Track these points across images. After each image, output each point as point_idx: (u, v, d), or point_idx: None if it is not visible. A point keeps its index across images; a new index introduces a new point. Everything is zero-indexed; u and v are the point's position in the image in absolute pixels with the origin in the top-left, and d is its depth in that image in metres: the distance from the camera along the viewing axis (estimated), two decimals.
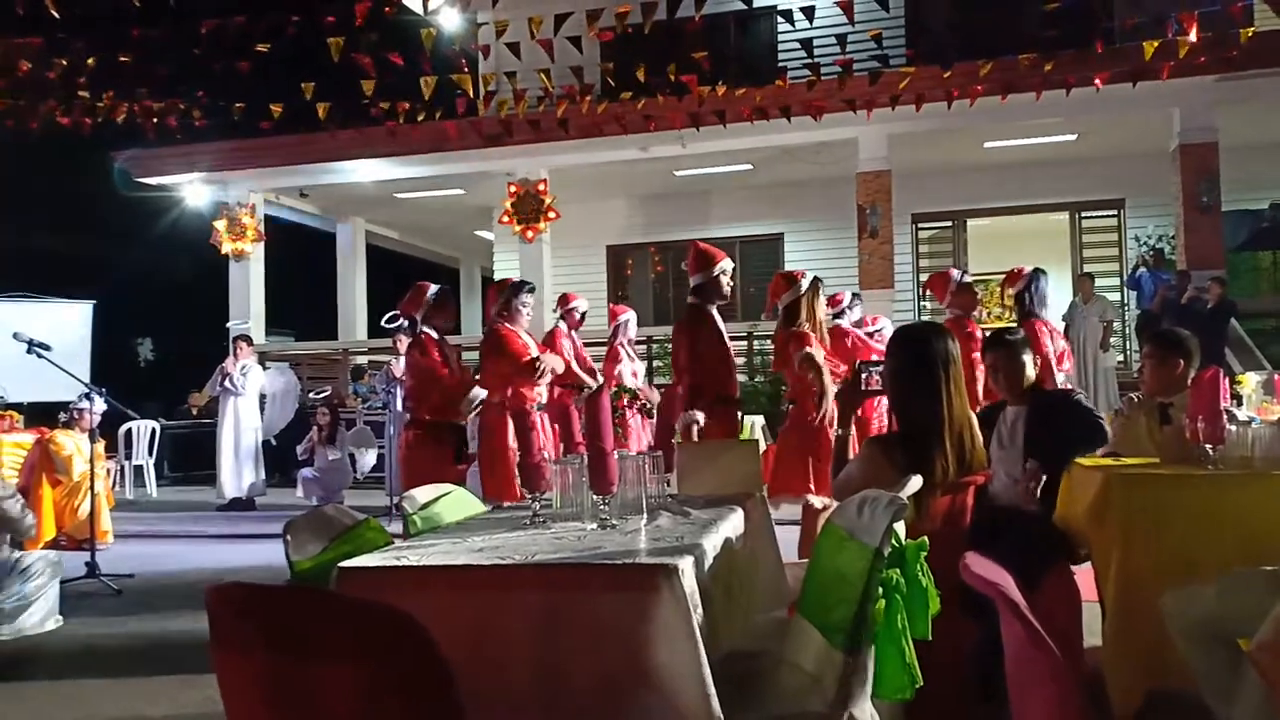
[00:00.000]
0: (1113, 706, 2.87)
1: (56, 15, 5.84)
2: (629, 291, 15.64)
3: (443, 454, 5.10)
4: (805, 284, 5.29)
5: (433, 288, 5.38)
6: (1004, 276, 6.27)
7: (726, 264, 5.25)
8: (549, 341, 7.07)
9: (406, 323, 5.51)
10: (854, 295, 7.44)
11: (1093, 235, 14.22)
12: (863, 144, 12.35)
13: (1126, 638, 2.87)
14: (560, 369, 5.37)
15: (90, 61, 6.50)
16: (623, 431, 7.13)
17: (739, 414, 5.37)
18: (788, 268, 14.79)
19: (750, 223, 14.95)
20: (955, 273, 6.53)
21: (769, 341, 12.55)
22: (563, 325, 7.45)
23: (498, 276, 15.86)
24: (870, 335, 7.63)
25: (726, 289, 5.25)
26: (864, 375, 3.60)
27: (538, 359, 5.08)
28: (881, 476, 2.91)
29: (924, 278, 14.62)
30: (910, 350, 3.24)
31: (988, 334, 6.06)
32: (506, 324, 5.28)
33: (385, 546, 2.53)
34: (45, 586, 5.07)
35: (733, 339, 5.40)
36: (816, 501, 4.81)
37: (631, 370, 7.72)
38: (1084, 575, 3.31)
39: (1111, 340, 11.77)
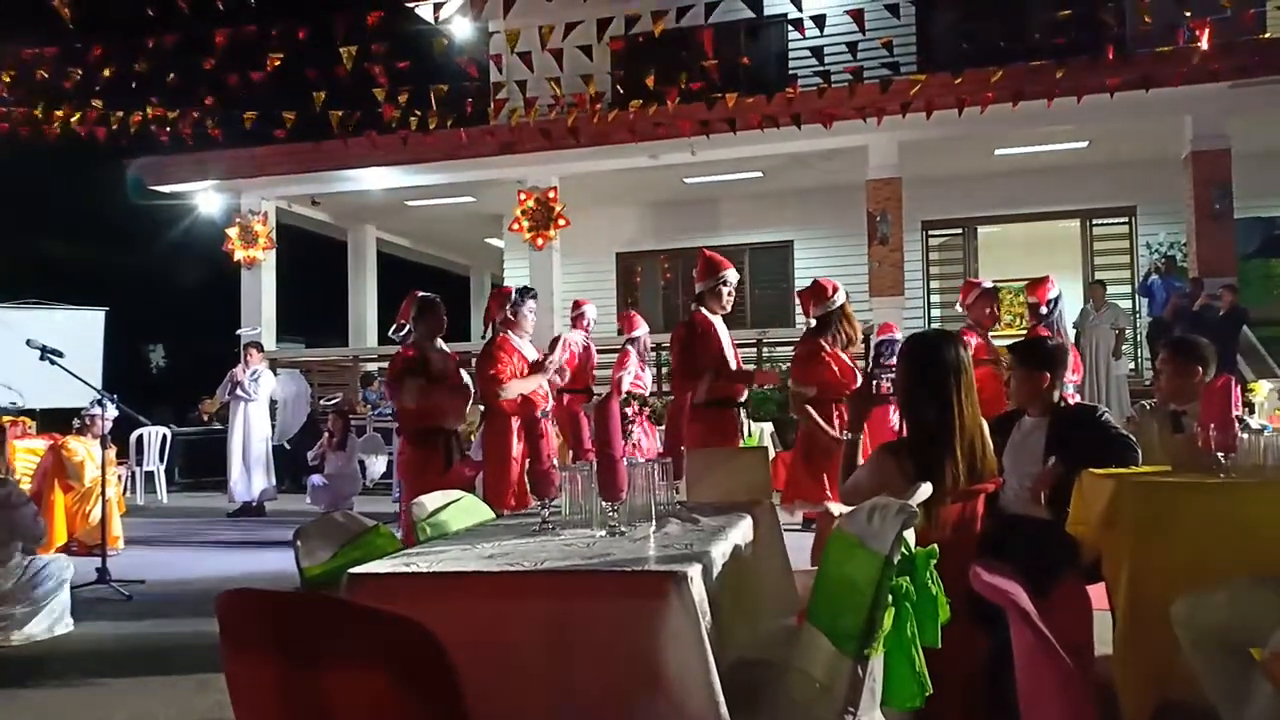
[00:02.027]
0: (1124, 715, 2.86)
1: (71, 25, 5.88)
2: (638, 299, 15.65)
3: (431, 460, 5.07)
4: (838, 300, 5.37)
5: (420, 296, 5.36)
6: (1029, 282, 6.26)
7: (730, 275, 5.26)
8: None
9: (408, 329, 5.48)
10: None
11: (1104, 242, 14.17)
12: (873, 151, 12.34)
13: (1137, 646, 2.85)
14: (527, 390, 5.20)
15: (106, 71, 6.55)
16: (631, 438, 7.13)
17: (739, 416, 5.35)
18: (797, 275, 14.82)
19: (760, 230, 14.95)
20: (987, 283, 6.54)
21: (778, 348, 12.62)
22: (576, 335, 7.44)
23: (508, 283, 15.88)
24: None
25: (726, 299, 5.25)
26: (875, 381, 3.60)
27: (502, 380, 5.06)
28: (891, 483, 2.90)
29: (934, 285, 14.62)
30: (921, 357, 3.23)
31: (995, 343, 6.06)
32: (511, 331, 5.28)
33: (395, 553, 2.53)
34: (55, 592, 5.08)
35: (741, 345, 5.41)
36: (835, 509, 4.80)
37: (638, 378, 7.74)
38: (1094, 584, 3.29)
39: (1123, 348, 11.72)
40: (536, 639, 2.10)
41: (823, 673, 2.11)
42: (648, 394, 7.71)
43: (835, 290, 5.43)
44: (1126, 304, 13.11)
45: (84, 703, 4.02)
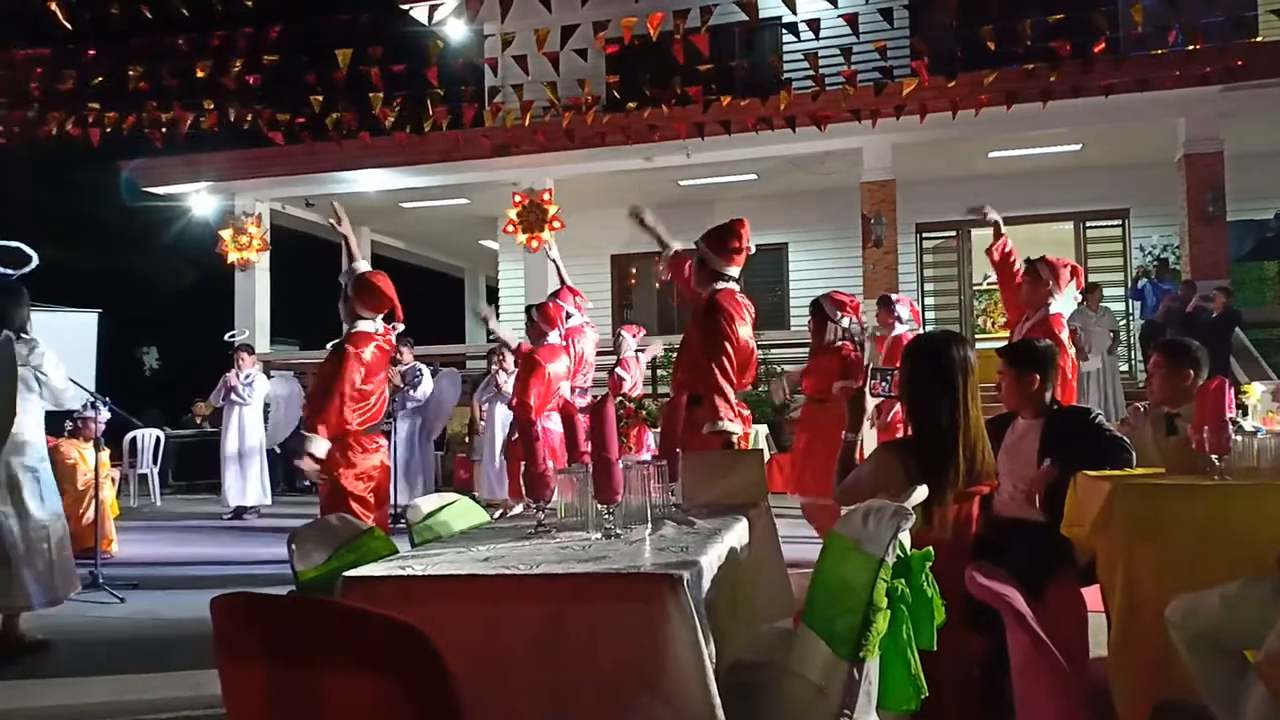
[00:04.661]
0: (1119, 718, 2.86)
1: (66, 26, 5.86)
2: (633, 301, 15.65)
3: None
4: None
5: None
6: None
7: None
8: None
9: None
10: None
11: (1097, 245, 14.21)
12: (867, 154, 12.37)
13: (1132, 648, 2.85)
14: None
15: (99, 74, 6.53)
16: (627, 440, 7.14)
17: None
18: (792, 278, 14.83)
19: (755, 232, 14.55)
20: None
21: (773, 350, 12.64)
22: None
23: (502, 286, 15.89)
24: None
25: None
26: (873, 382, 3.59)
27: None
28: (892, 483, 2.90)
29: (929, 287, 14.64)
30: (929, 357, 3.23)
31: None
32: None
33: (390, 556, 2.53)
34: None
35: None
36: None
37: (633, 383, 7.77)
38: (1090, 586, 3.30)
39: (1119, 350, 11.76)
40: (532, 642, 2.10)
41: (818, 675, 2.11)
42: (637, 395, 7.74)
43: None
44: (1120, 307, 13.16)
45: (76, 706, 4.00)
